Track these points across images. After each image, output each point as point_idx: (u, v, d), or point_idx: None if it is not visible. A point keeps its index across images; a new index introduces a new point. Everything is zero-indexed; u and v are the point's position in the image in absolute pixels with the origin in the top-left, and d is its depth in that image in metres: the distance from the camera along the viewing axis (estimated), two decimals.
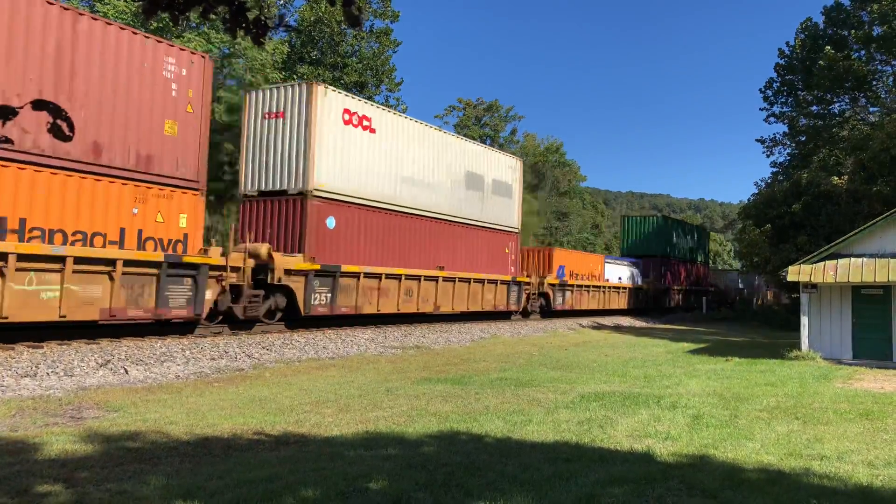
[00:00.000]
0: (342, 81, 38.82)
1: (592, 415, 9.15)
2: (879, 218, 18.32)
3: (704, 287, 52.59)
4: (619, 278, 38.98)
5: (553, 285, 32.23)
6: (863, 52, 37.23)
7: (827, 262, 18.22)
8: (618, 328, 31.39)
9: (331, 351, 16.68)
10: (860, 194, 29.77)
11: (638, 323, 35.91)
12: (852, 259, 18.00)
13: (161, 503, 5.17)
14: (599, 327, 31.15)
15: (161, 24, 27.08)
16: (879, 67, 37.65)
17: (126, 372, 12.09)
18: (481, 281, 25.65)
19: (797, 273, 18.35)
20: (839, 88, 38.23)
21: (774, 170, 45.01)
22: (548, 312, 32.49)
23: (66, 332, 13.84)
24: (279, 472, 6.05)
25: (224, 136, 27.40)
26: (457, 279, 24.09)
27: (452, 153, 24.68)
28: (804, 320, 18.55)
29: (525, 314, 30.63)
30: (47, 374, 11.16)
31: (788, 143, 43.94)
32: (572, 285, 33.90)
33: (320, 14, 37.71)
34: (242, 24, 3.05)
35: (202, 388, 11.12)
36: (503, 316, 28.85)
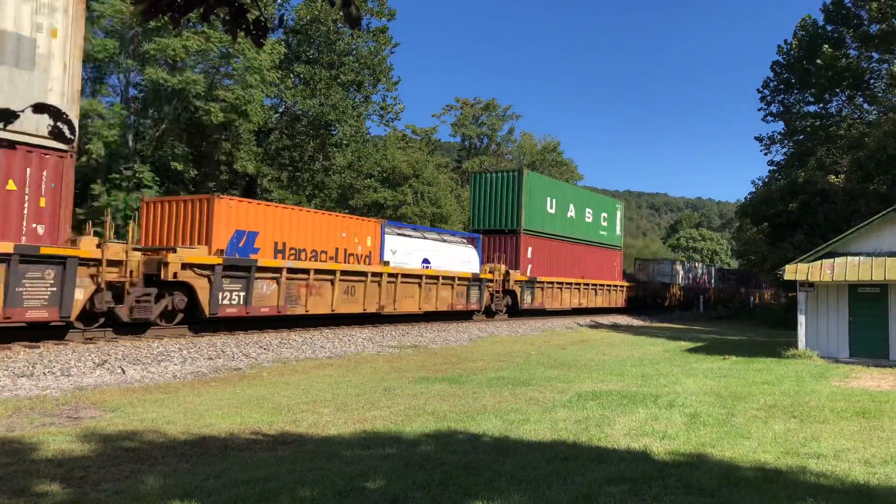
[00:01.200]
0: (339, 80, 38.80)
1: (590, 414, 9.17)
2: (876, 216, 18.34)
3: (617, 279, 39.60)
4: (426, 262, 24.05)
5: (207, 268, 15.70)
6: (861, 49, 37.28)
7: (824, 260, 18.24)
8: (615, 327, 31.40)
9: (328, 350, 16.70)
10: (857, 193, 29.84)
11: (636, 321, 35.95)
12: (849, 258, 18.03)
13: (158, 503, 5.17)
14: (597, 326, 31.19)
15: (160, 25, 27.04)
16: (875, 66, 37.73)
17: (123, 372, 12.09)
18: None
19: (794, 272, 18.37)
20: (837, 87, 38.29)
21: (772, 168, 45.07)
22: (207, 321, 16.49)
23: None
24: (276, 471, 6.05)
25: None
26: None
27: None
28: (801, 319, 18.58)
29: (125, 323, 14.69)
30: (44, 373, 11.16)
31: (786, 141, 43.99)
32: (278, 269, 17.28)
33: (316, 13, 37.68)
34: (242, 26, 3.05)
35: (199, 387, 11.12)
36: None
